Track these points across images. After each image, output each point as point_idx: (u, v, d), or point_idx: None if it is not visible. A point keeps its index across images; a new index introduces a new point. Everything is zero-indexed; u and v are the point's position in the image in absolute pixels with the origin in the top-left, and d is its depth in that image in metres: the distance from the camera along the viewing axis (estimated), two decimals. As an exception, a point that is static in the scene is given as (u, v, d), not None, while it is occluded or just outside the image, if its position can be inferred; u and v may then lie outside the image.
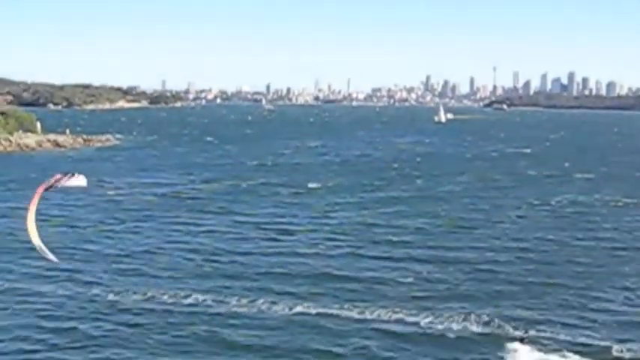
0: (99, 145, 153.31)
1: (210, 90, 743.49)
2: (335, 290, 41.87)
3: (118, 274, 45.45)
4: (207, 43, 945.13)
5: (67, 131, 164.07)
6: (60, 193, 78.51)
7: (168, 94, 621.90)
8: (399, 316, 36.93)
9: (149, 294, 40.73)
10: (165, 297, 40.20)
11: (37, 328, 35.63)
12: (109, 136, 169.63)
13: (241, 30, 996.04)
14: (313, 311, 37.66)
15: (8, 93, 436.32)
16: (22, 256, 48.23)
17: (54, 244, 52.05)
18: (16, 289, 42.05)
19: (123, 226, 61.43)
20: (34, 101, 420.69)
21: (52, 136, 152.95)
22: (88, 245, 53.74)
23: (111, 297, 40.39)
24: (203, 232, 59.09)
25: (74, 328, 35.50)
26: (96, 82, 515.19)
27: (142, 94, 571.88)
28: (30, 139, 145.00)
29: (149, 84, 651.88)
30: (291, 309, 37.91)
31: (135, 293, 40.87)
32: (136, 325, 36.06)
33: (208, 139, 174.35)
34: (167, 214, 67.22)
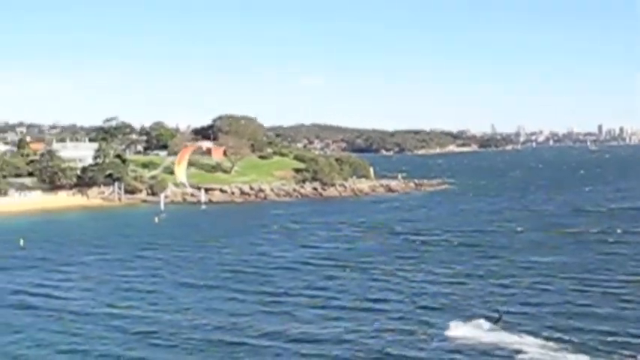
0: (430, 189, 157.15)
1: (540, 132, 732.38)
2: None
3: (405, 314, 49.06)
4: (536, 84, 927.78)
5: (399, 176, 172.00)
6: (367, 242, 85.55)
7: (498, 137, 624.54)
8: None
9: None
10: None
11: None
12: (439, 180, 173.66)
13: (554, 68, 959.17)
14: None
15: (342, 140, 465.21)
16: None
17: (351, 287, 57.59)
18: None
19: (414, 267, 65.45)
20: (367, 147, 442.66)
21: (384, 181, 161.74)
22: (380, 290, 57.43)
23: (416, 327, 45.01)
24: (499, 281, 59.28)
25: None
26: (426, 128, 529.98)
27: (472, 138, 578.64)
28: (363, 184, 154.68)
29: (479, 127, 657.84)
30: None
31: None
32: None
33: (530, 183, 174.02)
34: (461, 258, 69.88)
